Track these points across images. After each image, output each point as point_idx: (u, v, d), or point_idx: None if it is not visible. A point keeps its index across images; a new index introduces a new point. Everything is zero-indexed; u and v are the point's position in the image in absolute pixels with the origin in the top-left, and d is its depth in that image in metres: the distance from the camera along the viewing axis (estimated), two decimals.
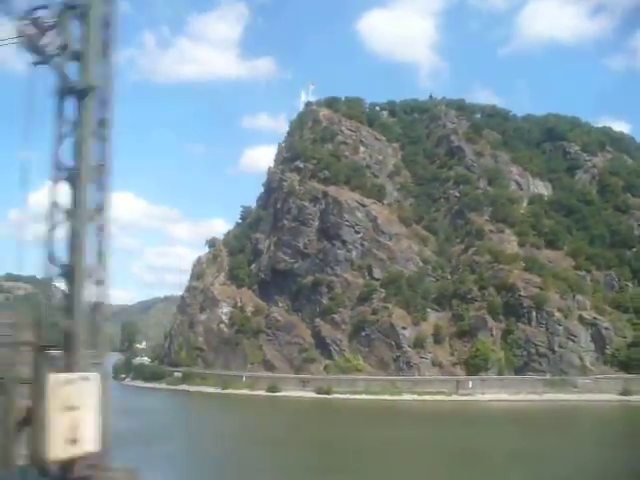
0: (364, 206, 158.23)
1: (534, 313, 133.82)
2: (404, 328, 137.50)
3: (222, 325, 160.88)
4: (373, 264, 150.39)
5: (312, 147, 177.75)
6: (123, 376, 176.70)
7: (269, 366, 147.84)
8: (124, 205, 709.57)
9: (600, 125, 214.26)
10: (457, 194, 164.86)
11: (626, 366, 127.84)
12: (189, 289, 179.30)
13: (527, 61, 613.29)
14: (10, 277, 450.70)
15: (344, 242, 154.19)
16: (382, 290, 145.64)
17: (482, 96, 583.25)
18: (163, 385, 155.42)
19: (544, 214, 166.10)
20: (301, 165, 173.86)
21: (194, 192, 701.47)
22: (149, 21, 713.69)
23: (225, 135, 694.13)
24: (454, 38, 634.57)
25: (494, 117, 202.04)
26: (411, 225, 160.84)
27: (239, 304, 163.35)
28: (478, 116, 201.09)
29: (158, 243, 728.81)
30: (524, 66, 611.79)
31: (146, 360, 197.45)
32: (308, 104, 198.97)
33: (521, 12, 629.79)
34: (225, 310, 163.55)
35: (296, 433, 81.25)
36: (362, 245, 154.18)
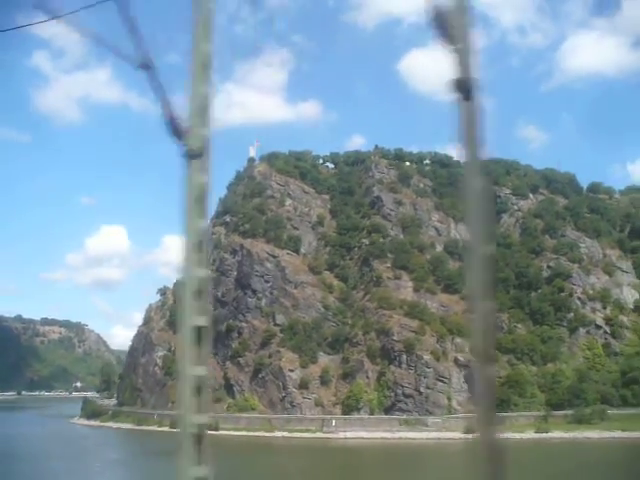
0: (275, 257, 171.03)
1: (404, 356, 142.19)
2: (291, 370, 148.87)
3: (156, 368, 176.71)
4: (277, 311, 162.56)
5: (241, 202, 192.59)
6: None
7: None
8: None
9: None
10: (367, 242, 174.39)
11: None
12: (138, 334, 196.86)
13: (571, 95, 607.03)
14: (46, 321, 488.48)
15: (254, 291, 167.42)
16: (281, 335, 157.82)
17: (526, 132, 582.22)
18: (97, 422, 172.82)
19: (457, 258, 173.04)
20: (228, 219, 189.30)
21: None
22: None
23: None
24: (495, 75, 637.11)
25: (434, 164, 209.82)
26: (321, 273, 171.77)
27: (172, 348, 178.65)
28: (414, 165, 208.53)
29: None
30: (568, 100, 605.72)
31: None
32: (250, 160, 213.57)
33: (561, 47, 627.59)
34: (160, 354, 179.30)
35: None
36: (271, 293, 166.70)
